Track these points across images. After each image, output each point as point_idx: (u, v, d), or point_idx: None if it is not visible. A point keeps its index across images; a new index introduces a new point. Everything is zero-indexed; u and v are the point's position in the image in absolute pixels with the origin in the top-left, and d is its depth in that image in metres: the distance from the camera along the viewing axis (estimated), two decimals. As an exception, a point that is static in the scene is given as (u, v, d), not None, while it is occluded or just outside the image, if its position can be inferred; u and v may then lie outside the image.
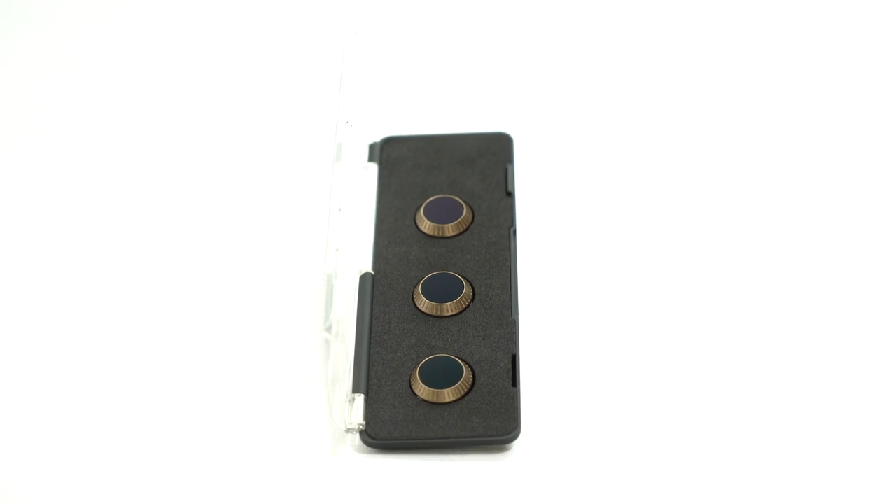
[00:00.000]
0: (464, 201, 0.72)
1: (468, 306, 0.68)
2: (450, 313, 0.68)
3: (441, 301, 0.68)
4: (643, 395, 0.65)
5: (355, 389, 0.64)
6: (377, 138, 0.76)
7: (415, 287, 0.69)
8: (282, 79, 0.83)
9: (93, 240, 0.75)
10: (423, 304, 0.68)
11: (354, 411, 0.63)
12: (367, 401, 0.64)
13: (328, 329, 0.66)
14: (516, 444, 0.63)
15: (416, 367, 0.65)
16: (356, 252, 0.69)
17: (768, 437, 0.63)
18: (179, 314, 0.70)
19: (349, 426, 0.63)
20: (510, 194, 0.73)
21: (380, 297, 0.69)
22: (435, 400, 0.64)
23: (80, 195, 0.77)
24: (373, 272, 0.69)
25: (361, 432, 0.63)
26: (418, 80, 0.83)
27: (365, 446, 0.63)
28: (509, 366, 0.65)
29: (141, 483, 0.62)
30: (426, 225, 0.71)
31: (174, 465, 0.63)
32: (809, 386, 0.65)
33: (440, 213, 0.72)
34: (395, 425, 0.63)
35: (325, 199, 0.71)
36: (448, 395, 0.64)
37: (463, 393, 0.65)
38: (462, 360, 0.66)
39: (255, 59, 0.84)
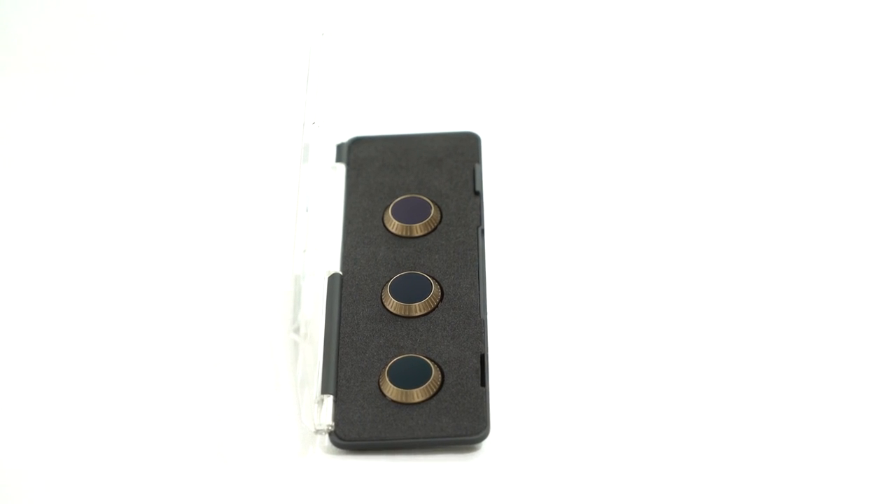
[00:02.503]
0: (432, 201, 0.72)
1: (437, 306, 0.68)
2: (418, 313, 0.68)
3: (409, 301, 0.68)
4: (612, 393, 0.65)
5: (324, 390, 0.64)
6: (345, 139, 0.75)
7: (383, 287, 0.69)
8: (248, 79, 0.83)
9: (58, 242, 0.75)
10: (392, 304, 0.68)
11: (323, 412, 0.63)
12: (335, 402, 0.64)
13: (296, 330, 0.65)
14: (485, 443, 0.63)
15: (384, 368, 0.65)
16: (324, 253, 0.69)
17: (739, 437, 0.63)
18: (146, 316, 0.70)
19: (318, 427, 0.63)
20: (478, 194, 0.73)
21: (348, 297, 0.69)
22: (404, 400, 0.64)
23: (44, 197, 0.77)
24: (341, 273, 0.69)
25: (330, 433, 0.63)
26: (385, 81, 0.83)
27: (334, 447, 0.63)
28: (478, 365, 0.65)
29: (107, 483, 0.61)
30: (394, 225, 0.71)
31: (141, 466, 0.62)
32: (773, 381, 0.66)
33: (408, 213, 0.72)
34: (364, 426, 0.63)
35: (292, 199, 0.71)
36: (417, 395, 0.64)
37: (432, 393, 0.64)
38: (431, 360, 0.66)
39: (221, 60, 0.84)
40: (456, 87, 0.82)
